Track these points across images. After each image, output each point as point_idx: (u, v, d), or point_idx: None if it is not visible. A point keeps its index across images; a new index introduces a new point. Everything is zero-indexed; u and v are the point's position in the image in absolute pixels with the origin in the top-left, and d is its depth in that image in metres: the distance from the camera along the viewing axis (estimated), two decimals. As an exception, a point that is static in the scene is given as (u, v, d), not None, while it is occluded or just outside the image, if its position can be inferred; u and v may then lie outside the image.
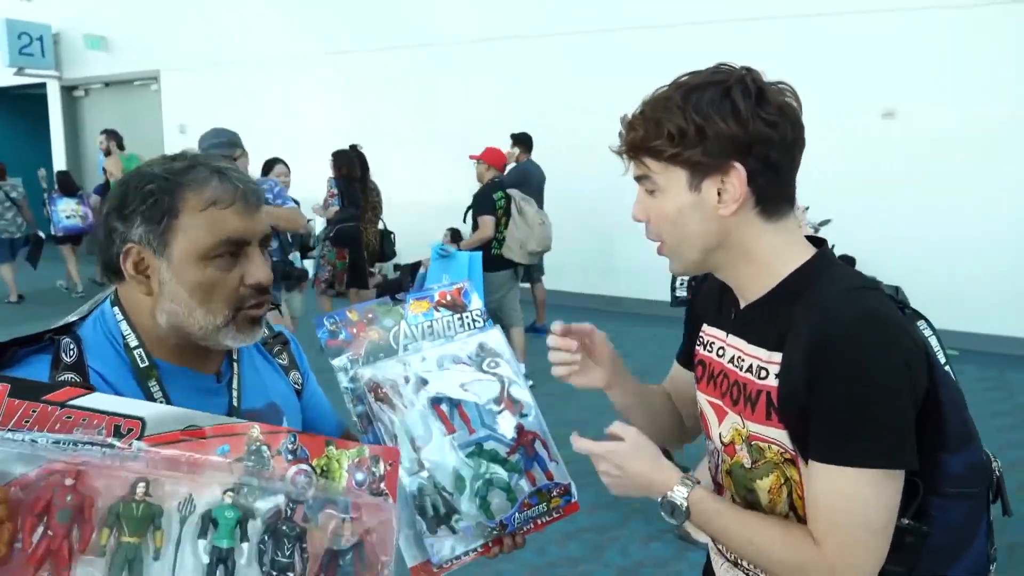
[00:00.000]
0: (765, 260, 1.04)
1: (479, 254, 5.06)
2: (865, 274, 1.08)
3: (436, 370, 1.23)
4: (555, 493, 1.23)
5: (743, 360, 1.07)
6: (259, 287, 1.05)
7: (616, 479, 1.10)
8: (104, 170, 8.70)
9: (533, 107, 8.12)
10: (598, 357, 1.25)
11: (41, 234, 8.82)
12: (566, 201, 6.93)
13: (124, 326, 1.06)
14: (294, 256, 5.30)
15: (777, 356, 1.01)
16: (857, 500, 0.95)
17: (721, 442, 1.14)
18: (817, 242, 1.09)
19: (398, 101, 9.29)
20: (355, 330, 1.22)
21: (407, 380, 1.20)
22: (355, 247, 6.25)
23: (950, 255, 6.37)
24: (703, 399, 1.18)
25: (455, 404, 1.21)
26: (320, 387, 1.36)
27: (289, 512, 0.94)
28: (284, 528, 0.93)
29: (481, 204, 5.23)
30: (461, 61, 8.70)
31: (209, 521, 0.89)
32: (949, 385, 1.03)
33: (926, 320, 1.11)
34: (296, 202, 4.58)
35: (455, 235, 8.65)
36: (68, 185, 8.98)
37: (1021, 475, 3.43)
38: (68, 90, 12.83)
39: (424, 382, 1.21)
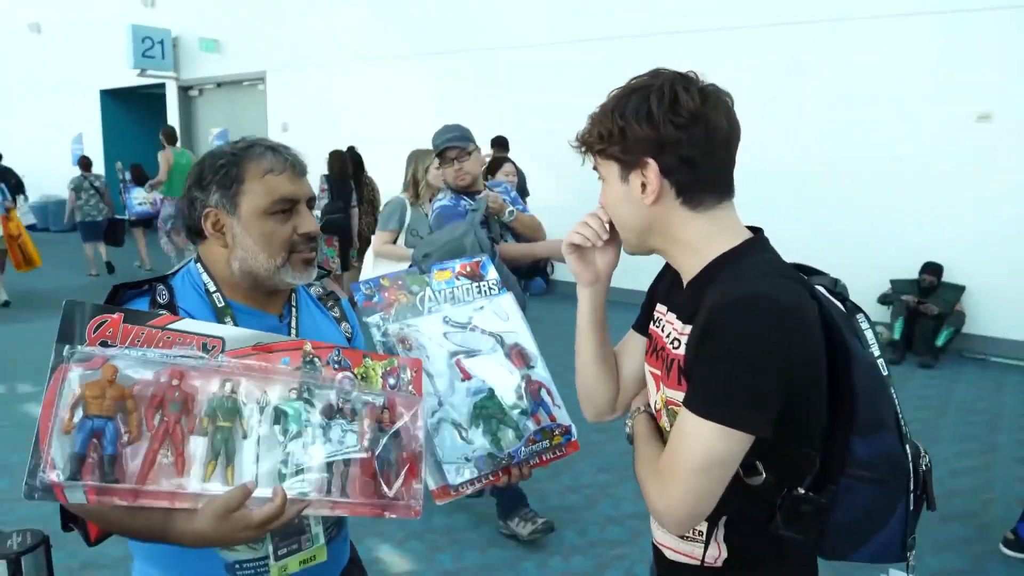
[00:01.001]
0: (693, 244, 1.16)
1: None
2: (789, 263, 1.17)
3: (455, 328, 1.45)
4: (557, 432, 1.42)
5: (670, 333, 1.20)
6: (308, 235, 1.34)
7: None
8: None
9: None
10: (614, 247, 1.32)
11: (120, 217, 10.32)
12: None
13: (205, 276, 1.34)
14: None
15: (688, 328, 1.13)
16: (692, 441, 1.05)
17: (654, 409, 1.27)
18: (756, 231, 1.19)
19: (484, 101, 9.53)
20: (387, 294, 1.45)
21: (430, 336, 1.41)
22: (344, 235, 7.11)
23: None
24: (647, 369, 1.30)
25: (472, 355, 1.42)
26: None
27: (341, 405, 1.19)
28: (338, 416, 1.18)
29: None
30: (547, 63, 8.87)
31: (281, 412, 1.14)
32: (869, 374, 1.11)
33: (864, 314, 1.20)
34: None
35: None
36: (140, 176, 10.35)
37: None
38: (184, 90, 13.79)
39: (445, 336, 1.42)
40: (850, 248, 6.73)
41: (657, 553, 1.31)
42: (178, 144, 9.43)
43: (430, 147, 3.41)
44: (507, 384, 1.42)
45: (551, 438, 1.41)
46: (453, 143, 3.24)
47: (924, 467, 1.16)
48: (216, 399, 1.10)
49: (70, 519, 1.28)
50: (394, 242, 4.09)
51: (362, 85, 10.82)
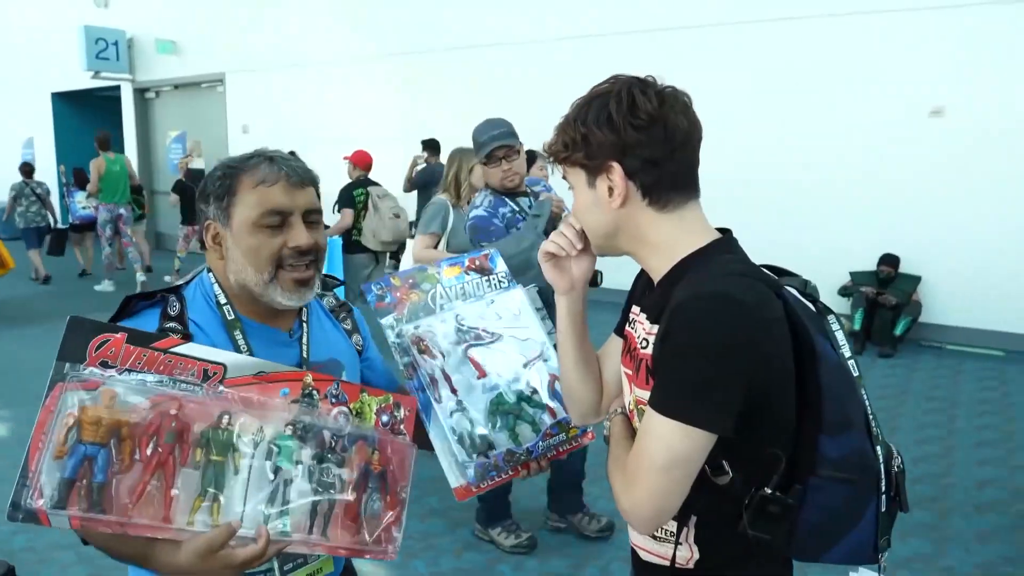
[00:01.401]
0: (661, 245, 1.18)
1: (339, 239, 6.17)
2: (756, 265, 1.18)
3: (468, 324, 1.46)
4: (573, 424, 1.44)
5: (640, 333, 1.21)
6: (298, 250, 1.27)
7: None
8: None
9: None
10: (588, 257, 1.34)
11: (62, 226, 10.38)
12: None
13: (216, 288, 1.33)
14: None
15: (656, 328, 1.14)
16: (655, 440, 1.07)
17: (627, 410, 1.28)
18: (723, 231, 1.21)
19: (451, 102, 9.52)
20: (398, 294, 1.46)
21: (445, 335, 1.43)
22: None
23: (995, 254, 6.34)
24: (623, 370, 1.31)
25: (486, 351, 1.44)
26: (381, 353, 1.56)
27: (333, 444, 1.21)
28: (329, 456, 1.20)
29: (343, 199, 6.18)
30: (516, 62, 8.89)
31: (274, 448, 1.16)
32: (836, 373, 1.12)
33: (835, 315, 1.21)
34: None
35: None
36: (82, 180, 10.25)
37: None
38: (140, 92, 13.50)
39: (459, 334, 1.44)
40: (810, 242, 6.89)
41: (633, 554, 1.33)
42: (111, 152, 9.26)
43: (471, 145, 3.18)
44: (521, 373, 1.44)
45: (567, 431, 1.45)
46: (501, 141, 2.97)
47: (896, 468, 1.17)
48: (211, 431, 1.11)
49: None
50: (436, 246, 3.86)
51: (325, 86, 10.73)
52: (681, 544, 1.20)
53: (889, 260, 6.72)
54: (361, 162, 6.28)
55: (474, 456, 1.36)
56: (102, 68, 12.87)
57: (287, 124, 10.89)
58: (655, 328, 1.15)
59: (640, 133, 1.12)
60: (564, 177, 1.26)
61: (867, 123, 6.79)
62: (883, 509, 1.16)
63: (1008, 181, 6.27)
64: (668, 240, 1.18)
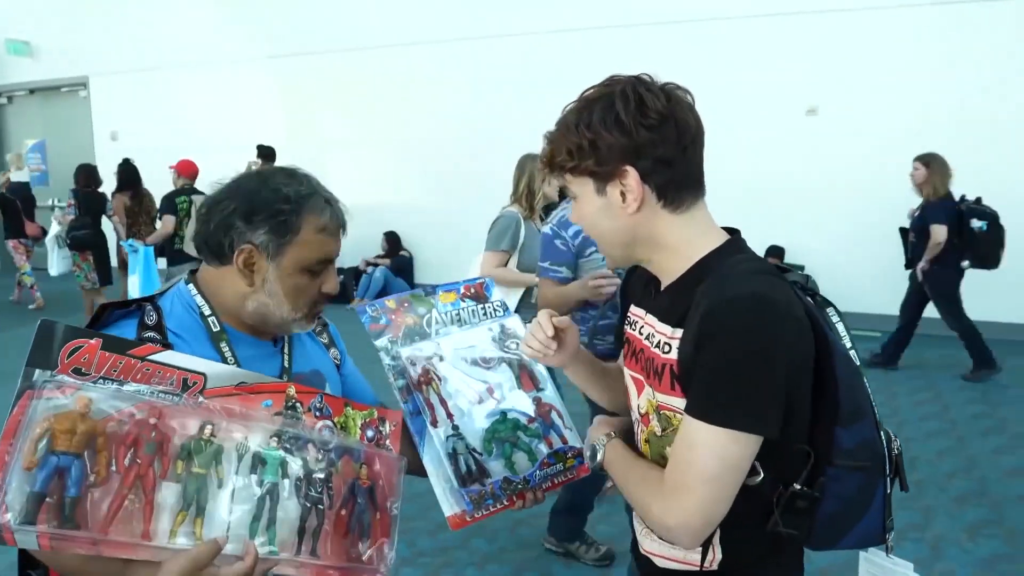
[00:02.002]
0: (677, 248, 1.15)
1: (151, 248, 6.46)
2: (769, 261, 1.18)
3: (464, 349, 1.43)
4: (570, 455, 1.42)
5: (654, 337, 1.17)
6: (330, 295, 1.30)
7: None
8: None
9: (473, 110, 8.32)
10: (566, 345, 1.38)
11: None
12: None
13: (199, 299, 1.26)
14: None
15: (679, 332, 1.11)
16: (702, 449, 1.04)
17: (639, 413, 1.25)
18: (731, 232, 1.19)
19: (337, 104, 9.36)
20: (393, 316, 1.41)
21: (441, 358, 1.39)
22: (96, 250, 7.25)
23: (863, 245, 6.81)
24: (627, 372, 1.29)
25: (482, 378, 1.41)
26: (361, 368, 1.55)
27: (319, 457, 1.14)
28: (317, 469, 1.13)
29: (165, 206, 6.36)
30: (400, 64, 8.81)
31: (259, 460, 1.07)
32: (846, 365, 1.12)
33: (834, 307, 1.23)
34: None
35: (392, 238, 8.87)
36: None
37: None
38: (-11, 98, 12.42)
39: (454, 359, 1.40)
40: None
41: (644, 562, 1.30)
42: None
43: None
44: (520, 405, 1.41)
45: (564, 460, 1.41)
46: None
47: (896, 451, 1.19)
48: (193, 442, 1.02)
49: (28, 564, 1.17)
50: (506, 264, 3.53)
51: (201, 90, 10.23)
52: (710, 547, 1.18)
53: (775, 252, 7.11)
54: (186, 171, 6.49)
55: (470, 484, 1.32)
56: (-58, 71, 11.72)
57: (160, 130, 10.28)
58: (677, 332, 1.12)
59: (652, 133, 1.08)
60: (564, 187, 1.20)
61: (749, 120, 7.16)
62: (888, 491, 1.18)
63: (876, 174, 6.77)
64: (684, 241, 1.16)
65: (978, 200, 5.49)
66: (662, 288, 1.20)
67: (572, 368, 1.40)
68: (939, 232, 5.39)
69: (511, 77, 8.10)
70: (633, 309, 1.29)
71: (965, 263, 5.45)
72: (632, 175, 1.10)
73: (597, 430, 1.31)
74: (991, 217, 5.37)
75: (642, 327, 1.23)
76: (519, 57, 8.05)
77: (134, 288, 6.09)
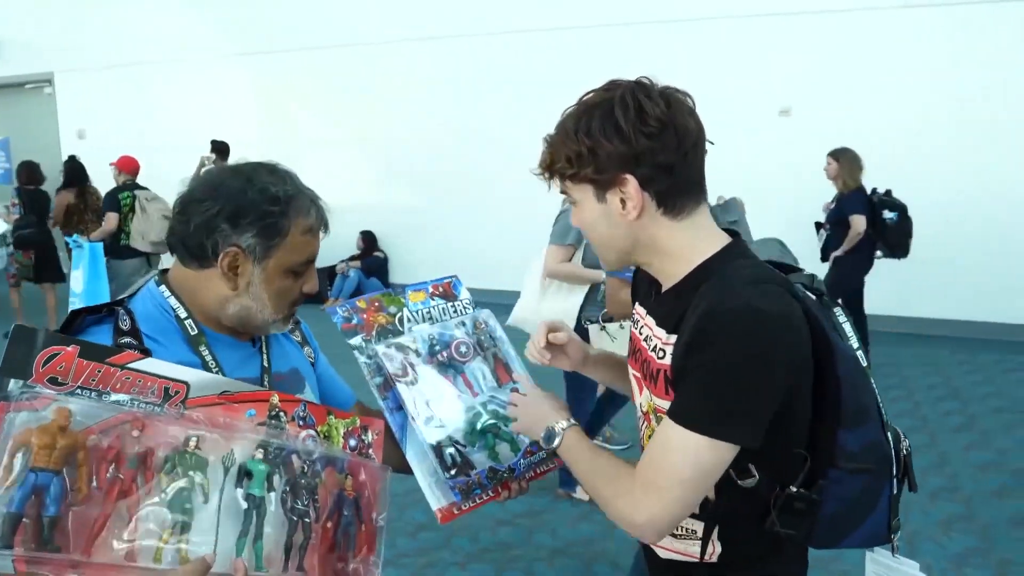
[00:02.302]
0: (676, 253, 1.15)
1: (100, 244, 6.09)
2: (769, 266, 1.17)
3: (439, 344, 1.43)
4: None
5: (651, 340, 1.18)
6: (310, 295, 1.29)
7: (522, 418, 1.31)
8: None
9: (451, 109, 8.28)
10: (569, 356, 1.43)
11: None
12: (491, 200, 7.07)
13: (173, 301, 1.22)
14: None
15: (673, 338, 1.11)
16: (679, 454, 1.05)
17: (641, 411, 1.27)
18: (732, 235, 1.19)
19: (310, 102, 9.24)
20: (365, 315, 1.41)
21: (418, 353, 1.39)
22: (40, 248, 7.23)
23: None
24: (630, 371, 1.31)
25: (459, 372, 1.41)
26: (333, 367, 1.54)
27: (304, 469, 1.11)
28: (302, 482, 1.10)
29: (108, 203, 6.37)
30: (375, 62, 8.72)
31: (245, 473, 1.04)
32: (850, 367, 1.11)
33: (841, 307, 1.23)
34: None
35: (368, 237, 8.78)
36: None
37: None
38: (-52, 95, 12.07)
39: (430, 354, 1.40)
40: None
41: (647, 551, 1.30)
42: None
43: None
44: (498, 396, 1.42)
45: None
46: None
47: (905, 451, 1.19)
48: (177, 455, 0.98)
49: None
50: (571, 259, 3.48)
51: (174, 87, 10.02)
52: (708, 542, 1.19)
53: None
54: (127, 167, 6.52)
55: (455, 476, 1.31)
56: (-101, 67, 11.37)
57: (129, 128, 10.07)
58: (671, 338, 1.12)
59: (652, 140, 1.07)
60: (563, 192, 1.19)
61: (722, 121, 7.16)
62: (894, 492, 1.18)
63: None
64: (684, 247, 1.15)
65: (888, 192, 5.61)
66: (662, 291, 1.20)
67: (587, 371, 1.46)
68: (859, 222, 5.48)
69: (488, 76, 8.05)
70: (636, 307, 1.29)
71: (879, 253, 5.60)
72: (632, 183, 1.10)
73: (556, 413, 1.26)
74: (901, 208, 5.51)
75: (642, 327, 1.23)
76: (495, 55, 8.01)
77: (78, 283, 5.88)
